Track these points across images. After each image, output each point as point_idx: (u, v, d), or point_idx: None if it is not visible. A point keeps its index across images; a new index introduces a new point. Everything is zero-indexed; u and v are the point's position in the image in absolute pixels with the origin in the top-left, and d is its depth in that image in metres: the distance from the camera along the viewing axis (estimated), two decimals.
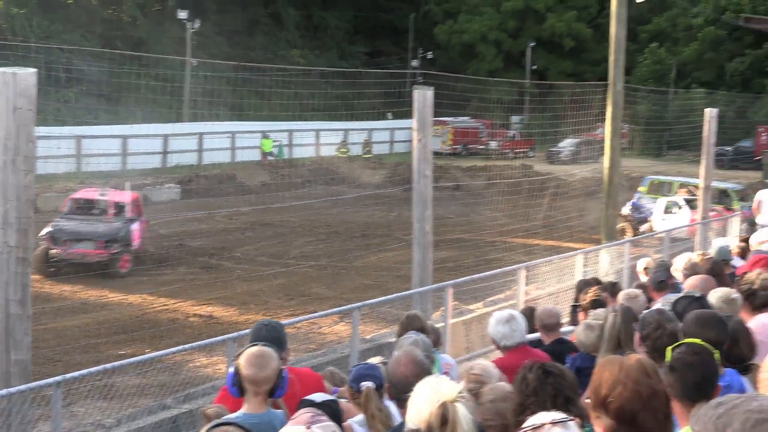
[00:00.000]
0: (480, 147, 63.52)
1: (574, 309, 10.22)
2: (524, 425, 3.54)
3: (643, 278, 12.19)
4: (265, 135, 61.42)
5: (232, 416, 5.24)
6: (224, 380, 6.31)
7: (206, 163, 58.09)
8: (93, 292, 26.99)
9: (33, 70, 9.31)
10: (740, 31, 73.01)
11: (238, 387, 5.65)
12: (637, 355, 4.17)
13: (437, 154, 41.23)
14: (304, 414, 4.28)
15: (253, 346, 5.82)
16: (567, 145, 60.65)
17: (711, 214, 27.88)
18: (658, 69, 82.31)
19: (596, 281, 12.05)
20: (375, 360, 7.03)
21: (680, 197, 36.57)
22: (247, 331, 10.41)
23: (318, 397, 5.46)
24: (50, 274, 27.43)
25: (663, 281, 10.59)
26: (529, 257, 23.15)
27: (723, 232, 24.11)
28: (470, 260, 29.05)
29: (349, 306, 13.44)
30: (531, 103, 66.28)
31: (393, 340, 9.54)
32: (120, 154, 53.03)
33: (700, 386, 4.79)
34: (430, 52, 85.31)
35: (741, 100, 72.13)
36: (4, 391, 8.90)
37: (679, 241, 26.03)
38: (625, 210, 34.65)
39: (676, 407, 4.34)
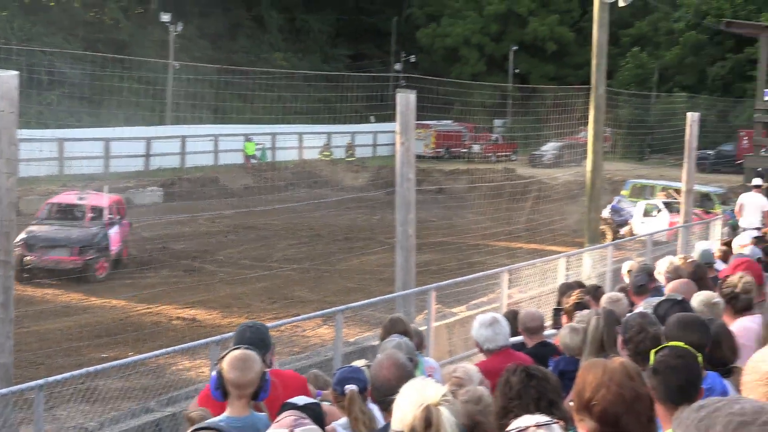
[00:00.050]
0: (463, 150, 63.59)
1: (557, 312, 10.24)
2: (508, 428, 3.54)
3: (628, 281, 12.23)
4: (248, 138, 61.34)
5: (215, 419, 5.23)
6: (207, 383, 6.30)
7: (189, 166, 57.99)
8: (75, 296, 26.90)
9: (15, 72, 9.30)
10: (721, 36, 73.27)
11: (221, 390, 5.64)
12: (621, 359, 4.19)
13: (420, 158, 41.28)
14: (287, 417, 4.28)
15: (236, 349, 5.82)
16: (550, 148, 60.75)
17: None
18: (640, 73, 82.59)
19: (579, 284, 12.07)
20: (359, 363, 7.04)
21: (659, 200, 36.74)
22: (231, 334, 10.40)
23: (300, 400, 5.45)
24: (24, 279, 27.09)
25: (643, 285, 10.62)
26: (512, 260, 23.20)
27: (705, 236, 24.18)
28: (453, 263, 29.09)
29: (332, 309, 13.42)
30: (514, 106, 66.27)
31: (376, 343, 9.54)
32: (102, 156, 52.98)
33: (683, 389, 4.81)
34: (413, 56, 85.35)
35: (722, 104, 72.39)
36: None
37: (661, 244, 26.10)
38: (605, 213, 34.73)
39: (659, 410, 4.35)
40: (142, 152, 56.21)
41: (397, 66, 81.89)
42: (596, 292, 10.99)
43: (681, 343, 5.24)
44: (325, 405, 6.29)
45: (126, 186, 46.27)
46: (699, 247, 13.27)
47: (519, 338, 9.31)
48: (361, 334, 16.48)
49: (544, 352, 8.78)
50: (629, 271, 11.78)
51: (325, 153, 65.12)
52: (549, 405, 4.80)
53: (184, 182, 50.79)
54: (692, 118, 24.64)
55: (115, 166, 52.95)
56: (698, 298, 7.87)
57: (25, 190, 37.03)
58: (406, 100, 14.18)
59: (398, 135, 14.29)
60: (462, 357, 14.91)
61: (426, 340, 12.50)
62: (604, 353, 6.91)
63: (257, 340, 6.54)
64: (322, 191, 52.05)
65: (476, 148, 62.80)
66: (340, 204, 48.13)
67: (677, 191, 34.22)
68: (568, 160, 53.04)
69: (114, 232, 29.94)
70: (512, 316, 9.82)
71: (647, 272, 11.14)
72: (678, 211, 33.13)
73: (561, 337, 8.34)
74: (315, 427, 4.29)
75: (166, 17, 65.01)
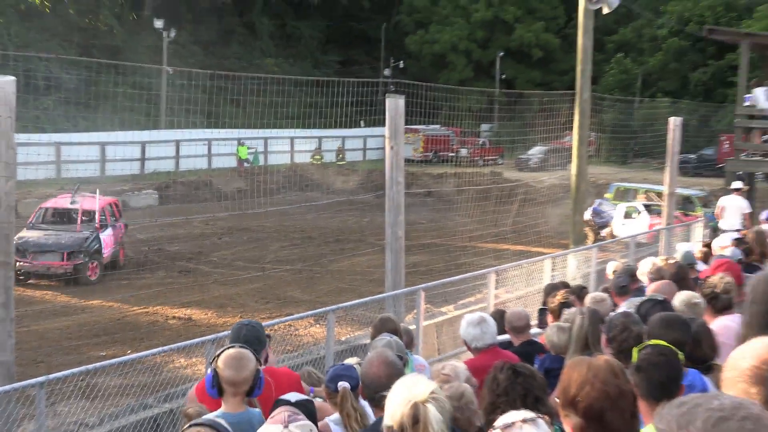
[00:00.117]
0: (451, 154, 63.42)
1: (542, 312, 10.26)
2: (495, 423, 3.56)
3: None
4: (240, 142, 61.26)
5: (211, 415, 5.25)
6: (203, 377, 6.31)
7: (183, 169, 57.95)
8: (74, 296, 26.89)
9: (12, 78, 9.29)
10: (703, 43, 73.31)
11: (217, 388, 5.66)
12: (605, 356, 4.22)
13: (409, 161, 41.21)
14: (281, 413, 4.29)
15: (230, 348, 5.84)
16: (535, 152, 60.71)
17: None
18: (624, 78, 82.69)
19: (564, 285, 12.09)
20: (351, 361, 7.06)
21: (639, 203, 36.81)
22: (225, 333, 10.45)
23: (293, 396, 5.46)
24: (18, 282, 26.93)
25: (625, 286, 10.65)
26: (498, 261, 23.22)
27: (687, 238, 24.22)
28: (441, 264, 29.09)
29: (324, 309, 13.41)
30: (500, 111, 66.33)
31: (367, 341, 9.55)
32: (99, 160, 52.90)
33: (665, 386, 4.84)
34: (402, 62, 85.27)
35: (704, 109, 72.41)
36: None
37: (644, 246, 26.13)
38: (586, 215, 34.76)
39: (642, 406, 4.38)
40: (138, 156, 56.13)
41: (387, 72, 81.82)
42: (581, 292, 11.01)
43: (663, 342, 5.28)
44: (318, 401, 6.31)
45: (122, 189, 46.24)
46: (681, 249, 13.30)
47: (506, 337, 9.33)
48: (352, 333, 16.46)
49: (530, 350, 8.81)
50: (614, 272, 11.81)
51: (316, 157, 65.06)
52: (535, 401, 4.83)
53: (179, 185, 50.75)
54: (675, 122, 24.66)
55: (111, 169, 52.86)
56: (680, 298, 7.90)
57: (23, 193, 36.97)
58: (395, 105, 14.19)
59: (387, 139, 14.30)
60: (450, 355, 14.94)
61: (415, 339, 12.52)
62: (589, 351, 6.95)
63: (253, 337, 6.56)
64: (313, 194, 51.96)
65: (464, 152, 62.65)
66: (331, 207, 48.07)
67: (658, 194, 34.29)
68: (553, 164, 52.91)
69: (107, 235, 29.82)
70: (499, 316, 9.83)
71: (629, 273, 11.17)
72: (658, 213, 33.28)
73: (548, 335, 8.37)
74: (309, 422, 4.31)
75: (159, 24, 64.87)
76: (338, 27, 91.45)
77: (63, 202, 31.05)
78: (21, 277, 27.01)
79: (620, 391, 3.74)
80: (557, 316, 9.37)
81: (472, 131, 64.60)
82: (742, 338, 5.32)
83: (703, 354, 6.36)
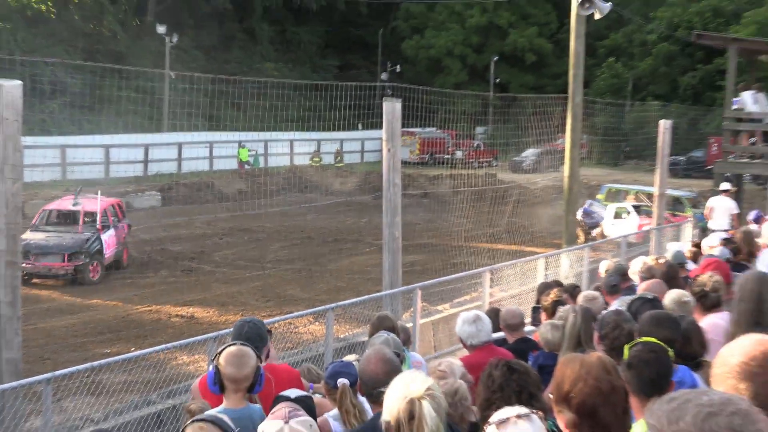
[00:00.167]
0: (446, 156, 63.35)
1: (536, 310, 10.25)
2: (491, 419, 3.57)
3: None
4: (241, 145, 61.28)
5: (213, 411, 5.25)
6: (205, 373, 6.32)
7: (185, 171, 57.90)
8: (79, 295, 26.88)
9: (18, 82, 9.28)
10: (692, 47, 73.36)
11: (219, 385, 5.67)
12: (598, 353, 4.22)
13: (406, 163, 41.16)
14: (282, 408, 4.30)
15: (232, 345, 5.84)
16: (529, 154, 60.70)
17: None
18: (615, 82, 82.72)
19: (557, 284, 12.09)
20: (350, 358, 7.07)
21: (629, 203, 36.81)
22: (227, 330, 10.46)
23: (292, 392, 5.47)
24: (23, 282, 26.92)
25: (615, 285, 10.66)
26: (493, 261, 23.18)
27: (677, 237, 24.23)
28: (437, 264, 29.05)
29: (323, 307, 13.42)
30: (495, 114, 66.19)
31: (365, 339, 9.56)
32: (103, 162, 52.89)
33: (655, 382, 4.84)
34: (398, 66, 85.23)
35: (693, 112, 72.44)
36: None
37: (635, 245, 26.14)
38: (577, 215, 34.79)
39: (633, 402, 4.38)
40: (141, 158, 56.13)
41: (384, 76, 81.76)
42: (574, 290, 11.01)
43: (653, 339, 5.28)
44: (317, 397, 6.32)
45: (125, 190, 46.21)
46: (671, 248, 13.31)
47: (500, 334, 9.33)
48: (350, 331, 16.43)
49: (524, 347, 8.81)
50: (606, 271, 11.82)
51: (315, 159, 65.07)
52: (529, 397, 4.83)
53: (181, 187, 50.69)
54: (664, 125, 24.67)
55: (115, 171, 52.91)
56: (670, 296, 7.91)
57: (29, 194, 36.92)
58: (392, 108, 14.18)
59: (385, 142, 14.29)
60: (446, 352, 14.95)
61: (412, 336, 12.54)
62: (582, 348, 6.95)
63: (254, 335, 6.57)
64: (312, 195, 51.95)
65: (459, 154, 62.57)
66: (330, 207, 48.12)
67: (648, 196, 34.30)
68: (546, 166, 52.98)
69: (109, 235, 29.76)
70: (494, 314, 9.83)
71: (620, 273, 11.18)
72: (647, 214, 33.34)
73: (541, 333, 8.36)
74: (308, 418, 4.31)
75: (162, 29, 64.80)
76: (336, 32, 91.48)
77: (65, 204, 30.96)
78: (25, 277, 26.97)
79: (612, 387, 3.74)
80: (551, 314, 9.36)
81: (468, 134, 64.56)
82: (731, 335, 5.34)
83: (692, 351, 6.37)
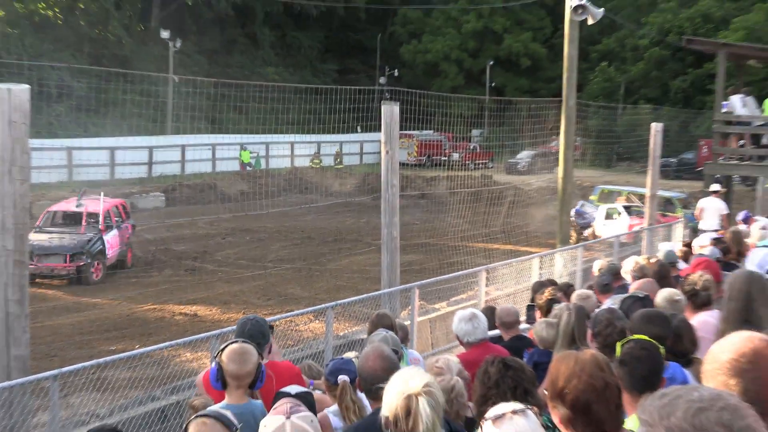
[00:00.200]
0: (443, 158, 63.37)
1: (531, 308, 10.27)
2: (487, 415, 3.57)
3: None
4: (243, 147, 61.38)
5: (216, 407, 5.25)
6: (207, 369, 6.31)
7: (189, 173, 57.92)
8: (85, 293, 26.88)
9: (26, 86, 9.28)
10: (683, 52, 73.33)
11: (221, 381, 5.67)
12: (591, 350, 4.22)
13: (404, 165, 41.28)
14: (284, 404, 4.29)
15: (234, 343, 5.84)
16: (524, 156, 60.71)
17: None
18: (607, 86, 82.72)
19: (551, 282, 12.10)
20: (350, 355, 7.07)
21: (620, 204, 36.83)
22: (229, 328, 10.48)
23: (293, 389, 5.48)
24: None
25: (607, 284, 10.67)
26: (489, 260, 23.19)
27: (668, 237, 24.24)
28: (434, 263, 29.06)
29: (323, 305, 13.43)
30: (490, 117, 66.15)
31: (364, 336, 9.56)
32: (108, 164, 52.90)
33: (647, 379, 4.85)
34: (396, 70, 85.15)
35: (684, 115, 72.47)
36: (5, 384, 8.93)
37: (626, 245, 26.15)
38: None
39: (625, 398, 4.38)
40: (145, 160, 56.15)
41: (382, 80, 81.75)
42: (568, 289, 11.02)
43: (645, 336, 5.29)
44: (317, 393, 6.32)
45: (130, 191, 46.27)
46: (663, 248, 13.32)
47: (496, 332, 9.33)
48: (349, 329, 16.43)
49: (519, 344, 8.82)
50: (600, 269, 11.83)
51: (315, 161, 65.07)
52: (524, 393, 4.84)
53: (185, 188, 50.72)
54: (656, 128, 24.68)
55: (120, 173, 52.98)
56: (662, 295, 7.91)
57: (37, 195, 36.93)
58: (390, 111, 14.19)
59: (383, 144, 14.30)
60: (443, 349, 14.94)
61: (410, 334, 12.53)
62: (576, 345, 6.96)
63: (257, 332, 6.59)
64: (312, 196, 51.97)
65: (456, 156, 62.52)
66: (330, 208, 48.13)
67: (638, 196, 34.33)
68: (541, 168, 53.02)
69: (112, 236, 29.69)
70: (489, 312, 9.85)
71: (612, 272, 11.19)
72: (637, 214, 33.38)
73: (537, 330, 8.37)
74: (309, 413, 4.31)
75: (165, 34, 64.85)
76: (336, 37, 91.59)
77: (68, 205, 30.92)
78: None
79: (606, 383, 3.74)
80: (545, 312, 9.37)
81: (464, 136, 64.51)
82: (721, 333, 5.34)
83: (683, 348, 6.37)
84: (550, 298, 9.63)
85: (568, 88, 23.78)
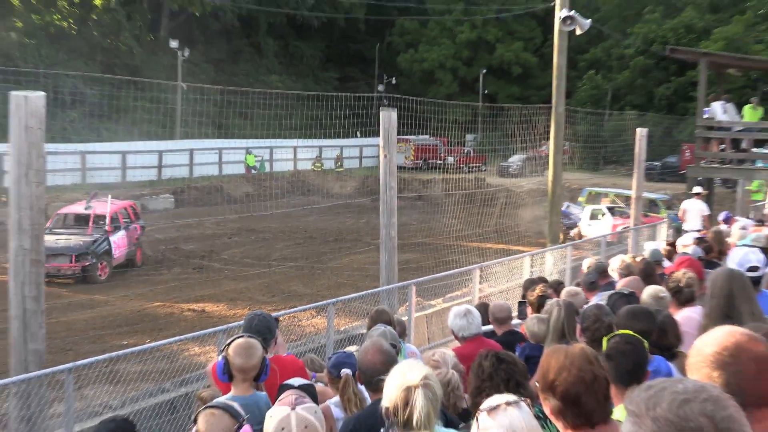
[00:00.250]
0: (439, 162, 63.33)
1: (522, 304, 10.25)
2: (482, 406, 3.57)
3: None
4: (248, 151, 61.36)
5: (223, 398, 5.25)
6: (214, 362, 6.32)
7: (196, 175, 58.01)
8: (98, 291, 26.88)
9: (42, 93, 9.28)
10: (666, 61, 73.44)
11: (228, 374, 5.67)
12: (581, 345, 4.22)
13: (401, 168, 41.19)
14: (289, 396, 4.29)
15: (240, 337, 5.84)
16: (515, 160, 60.62)
17: (629, 220, 28.13)
18: (595, 93, 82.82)
19: (542, 280, 12.09)
20: (351, 349, 7.07)
21: (604, 205, 36.85)
22: (236, 323, 10.48)
23: (296, 381, 5.49)
24: None
25: (594, 282, 10.65)
26: (482, 259, 23.17)
27: (653, 237, 24.24)
28: (431, 261, 29.03)
29: (325, 302, 13.40)
30: (483, 123, 66.09)
31: (364, 331, 9.55)
32: (120, 167, 52.95)
33: (632, 372, 4.85)
34: (394, 78, 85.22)
35: (668, 121, 72.52)
36: (23, 377, 8.94)
37: (613, 244, 26.15)
38: None
39: (612, 389, 4.38)
40: (155, 163, 56.24)
41: (380, 87, 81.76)
42: (558, 286, 11.01)
43: (629, 331, 5.29)
44: (319, 386, 6.33)
45: (141, 193, 46.32)
46: (648, 247, 13.30)
47: (489, 327, 9.32)
48: (350, 324, 16.41)
49: (511, 339, 8.80)
50: (588, 267, 11.84)
51: (316, 164, 65.12)
52: (517, 385, 4.85)
53: (193, 190, 50.77)
54: (641, 133, 24.69)
55: (131, 176, 53.05)
56: (648, 292, 7.91)
57: (52, 197, 36.91)
58: (388, 117, 14.19)
59: (381, 148, 14.30)
60: (439, 344, 14.94)
61: (407, 329, 12.54)
62: (565, 340, 6.97)
63: (264, 327, 6.63)
64: (314, 198, 51.97)
65: (451, 159, 62.44)
66: (331, 209, 48.10)
67: (626, 198, 34.29)
68: (531, 171, 52.94)
69: (119, 236, 29.63)
70: (483, 308, 9.83)
71: (599, 270, 11.17)
72: (620, 215, 33.43)
73: (528, 325, 8.36)
74: (314, 404, 4.32)
75: (174, 44, 64.90)
76: (336, 47, 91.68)
77: (77, 208, 30.87)
78: None
79: (594, 376, 3.74)
80: (536, 308, 9.36)
81: (458, 141, 64.52)
82: (703, 328, 5.34)
83: (668, 342, 6.38)
84: (540, 294, 9.62)
85: (557, 95, 23.79)
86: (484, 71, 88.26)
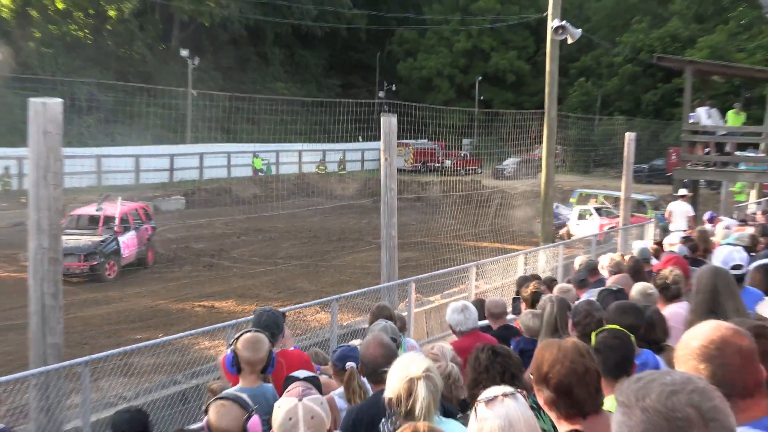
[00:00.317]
0: (437, 165, 63.36)
1: (516, 300, 10.24)
2: (480, 398, 3.57)
3: None
4: (255, 155, 61.44)
5: (232, 390, 5.26)
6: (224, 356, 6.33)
7: (206, 178, 58.03)
8: (112, 288, 26.87)
9: (59, 100, 9.27)
10: (653, 69, 73.41)
11: (236, 367, 5.68)
12: (573, 339, 4.22)
13: (401, 171, 41.12)
14: (296, 387, 4.30)
15: (248, 332, 5.86)
16: (510, 163, 60.56)
17: (615, 220, 28.14)
18: (585, 99, 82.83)
19: (535, 277, 12.08)
20: (355, 342, 7.06)
21: (591, 206, 36.84)
22: (244, 319, 10.50)
23: (301, 373, 5.50)
24: None
25: (584, 279, 10.65)
26: (478, 257, 23.15)
27: (641, 236, 24.23)
28: (429, 260, 28.99)
29: (328, 298, 13.40)
30: (479, 128, 66.13)
31: (366, 326, 9.55)
32: (133, 170, 53.02)
33: (620, 364, 4.85)
34: (394, 85, 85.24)
35: (655, 125, 72.51)
36: (42, 369, 8.95)
37: (601, 243, 26.14)
38: None
39: (603, 381, 4.38)
40: (167, 166, 56.26)
41: (381, 94, 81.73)
42: (551, 283, 11.01)
43: (617, 326, 5.29)
44: (324, 378, 6.33)
45: (153, 195, 46.31)
46: (637, 246, 13.29)
47: (485, 322, 9.32)
48: (352, 319, 16.41)
49: (506, 333, 8.81)
50: (580, 265, 11.84)
51: (320, 167, 65.12)
52: (512, 378, 4.85)
53: (203, 192, 50.79)
54: (629, 137, 24.68)
55: (144, 178, 53.14)
56: (636, 288, 7.92)
57: (69, 199, 36.89)
58: (388, 122, 14.18)
59: (382, 152, 14.29)
60: (438, 338, 14.93)
61: (407, 324, 12.54)
62: (558, 334, 6.96)
63: (272, 322, 6.65)
64: (318, 199, 51.98)
65: (448, 163, 62.45)
66: (334, 210, 48.12)
67: (615, 199, 34.28)
68: (525, 173, 52.89)
69: (129, 237, 29.50)
70: (479, 304, 9.83)
71: (589, 268, 11.18)
72: (607, 215, 33.45)
73: (522, 320, 8.36)
74: (320, 396, 4.32)
75: (185, 53, 64.95)
76: (339, 56, 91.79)
77: (89, 209, 30.79)
78: None
79: (586, 368, 3.75)
80: (530, 304, 9.37)
81: (455, 145, 64.51)
82: (689, 323, 5.34)
83: (656, 336, 6.38)
84: (534, 291, 9.62)
85: (549, 101, 23.79)
86: (480, 78, 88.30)
